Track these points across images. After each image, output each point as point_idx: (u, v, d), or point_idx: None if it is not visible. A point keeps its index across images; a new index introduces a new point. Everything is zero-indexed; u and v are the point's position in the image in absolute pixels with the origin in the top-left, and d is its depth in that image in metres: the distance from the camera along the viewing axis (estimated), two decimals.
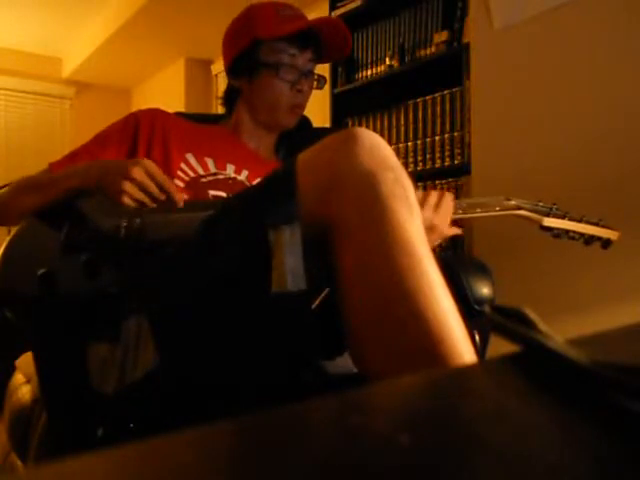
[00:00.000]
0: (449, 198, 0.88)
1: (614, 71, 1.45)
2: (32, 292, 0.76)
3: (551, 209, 1.01)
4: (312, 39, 1.03)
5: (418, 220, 0.56)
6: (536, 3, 1.60)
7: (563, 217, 1.02)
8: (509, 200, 1.00)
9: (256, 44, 1.03)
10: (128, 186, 0.80)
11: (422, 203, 0.85)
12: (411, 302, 0.51)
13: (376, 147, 0.58)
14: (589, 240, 1.05)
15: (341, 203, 0.56)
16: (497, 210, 0.99)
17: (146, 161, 0.82)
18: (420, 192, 0.86)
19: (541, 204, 1.02)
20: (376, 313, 0.53)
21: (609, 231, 1.05)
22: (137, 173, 0.80)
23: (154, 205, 0.82)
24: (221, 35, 1.10)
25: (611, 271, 1.41)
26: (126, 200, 0.80)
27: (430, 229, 0.85)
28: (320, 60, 1.09)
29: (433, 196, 0.87)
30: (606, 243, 1.06)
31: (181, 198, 0.83)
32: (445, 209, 0.87)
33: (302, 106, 1.08)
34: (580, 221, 1.03)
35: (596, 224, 1.04)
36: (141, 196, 0.81)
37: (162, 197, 0.82)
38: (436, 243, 0.88)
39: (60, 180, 0.87)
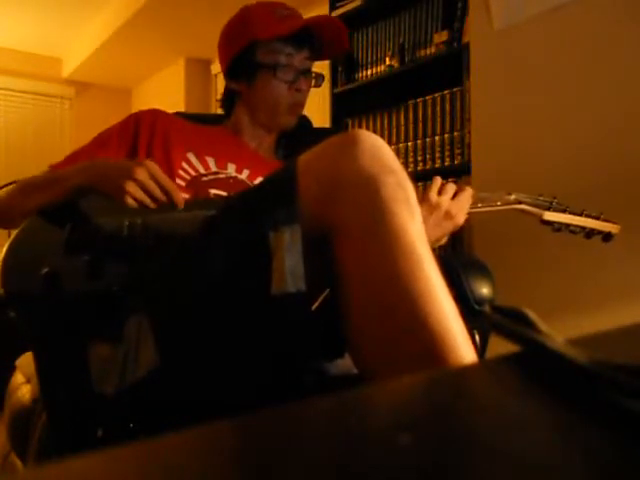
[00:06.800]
0: (469, 191, 0.94)
1: (614, 70, 1.45)
2: (35, 292, 0.76)
3: (552, 203, 1.01)
4: (308, 37, 1.03)
5: (419, 222, 0.56)
6: (536, 3, 1.60)
7: (564, 211, 1.02)
8: (510, 195, 1.00)
9: (253, 45, 1.02)
10: (131, 186, 0.80)
11: (440, 191, 0.90)
12: (412, 305, 0.51)
13: (377, 150, 0.58)
14: (590, 234, 1.05)
15: (342, 205, 0.56)
16: (498, 205, 0.99)
17: (150, 163, 0.82)
18: (439, 180, 0.93)
19: (542, 198, 1.02)
20: (377, 315, 0.53)
21: (610, 224, 1.05)
22: (141, 174, 0.80)
23: (155, 206, 0.83)
24: None
25: (612, 271, 1.41)
26: (128, 200, 0.80)
27: (446, 216, 0.90)
28: (317, 58, 1.08)
29: (452, 186, 0.92)
30: (607, 237, 1.06)
31: (182, 200, 0.84)
32: (463, 200, 0.92)
33: (301, 105, 1.08)
34: (581, 215, 1.03)
35: (597, 218, 1.04)
36: (143, 197, 0.81)
37: (164, 199, 0.82)
38: (449, 231, 0.93)
39: (62, 178, 0.87)
